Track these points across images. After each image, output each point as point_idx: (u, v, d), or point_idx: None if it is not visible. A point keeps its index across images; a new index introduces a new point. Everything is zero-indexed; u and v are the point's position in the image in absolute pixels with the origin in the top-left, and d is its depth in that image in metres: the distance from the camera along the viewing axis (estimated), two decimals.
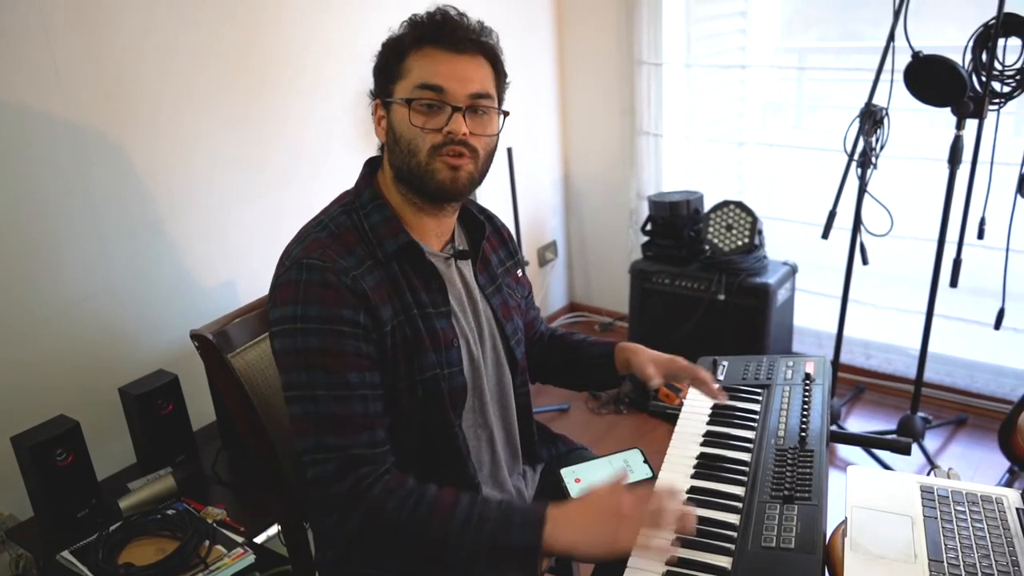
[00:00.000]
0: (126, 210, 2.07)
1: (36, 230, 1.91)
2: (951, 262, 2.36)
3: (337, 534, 1.18)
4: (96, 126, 1.98)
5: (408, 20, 1.24)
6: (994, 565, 1.06)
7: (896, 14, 2.24)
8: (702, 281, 2.87)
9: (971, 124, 2.26)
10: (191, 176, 2.19)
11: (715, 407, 1.47)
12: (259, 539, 1.79)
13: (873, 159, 2.40)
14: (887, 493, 1.21)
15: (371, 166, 1.33)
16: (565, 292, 3.85)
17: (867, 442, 1.56)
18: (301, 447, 1.17)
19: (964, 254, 2.34)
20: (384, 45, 1.25)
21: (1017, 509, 1.17)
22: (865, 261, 2.53)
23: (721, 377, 1.57)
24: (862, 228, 2.50)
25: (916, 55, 2.20)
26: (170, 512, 1.75)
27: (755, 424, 1.40)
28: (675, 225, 2.97)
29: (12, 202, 1.86)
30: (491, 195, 3.12)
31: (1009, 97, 2.19)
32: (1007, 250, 2.30)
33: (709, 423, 1.43)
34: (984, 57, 2.17)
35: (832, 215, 2.49)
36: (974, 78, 2.20)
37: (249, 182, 2.33)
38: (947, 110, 2.26)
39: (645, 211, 3.13)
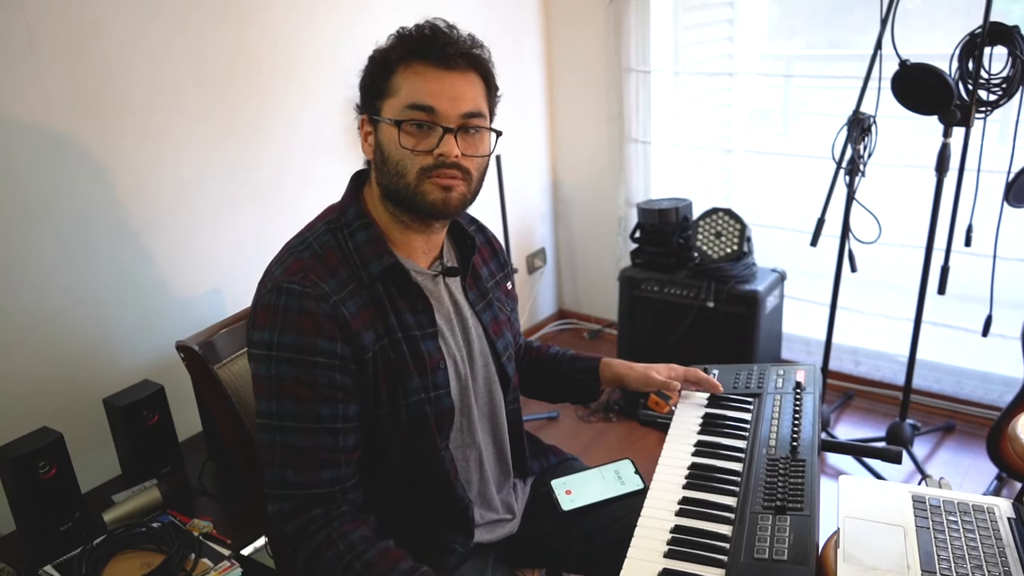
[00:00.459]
0: (111, 218, 2.05)
1: (18, 237, 1.89)
2: (939, 269, 2.37)
3: (292, 564, 1.19)
4: (79, 133, 1.96)
5: (396, 33, 1.20)
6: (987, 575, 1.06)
7: (883, 22, 2.25)
8: (691, 288, 2.87)
9: (958, 132, 2.27)
10: (177, 184, 2.18)
11: (706, 416, 1.47)
12: (246, 551, 1.77)
13: (861, 167, 2.41)
14: (879, 503, 1.20)
15: (357, 181, 1.30)
16: (554, 299, 3.84)
17: (857, 451, 1.56)
18: (266, 477, 1.17)
19: (952, 261, 2.35)
20: (371, 59, 1.22)
21: (1009, 519, 1.17)
22: (853, 268, 2.54)
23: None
24: (850, 235, 2.51)
25: (903, 63, 2.21)
26: (155, 525, 1.72)
27: (746, 433, 1.39)
28: (664, 232, 2.97)
29: None
30: (479, 202, 3.08)
31: (995, 105, 2.20)
32: (994, 257, 2.30)
33: (700, 432, 1.42)
34: (970, 66, 2.18)
35: (820, 222, 2.49)
36: (960, 86, 2.21)
37: (236, 190, 2.31)
38: (934, 118, 2.27)
39: (634, 218, 3.13)
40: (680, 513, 1.21)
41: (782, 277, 2.94)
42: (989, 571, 1.07)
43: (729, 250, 2.87)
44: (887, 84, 2.26)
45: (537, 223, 3.61)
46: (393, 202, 1.22)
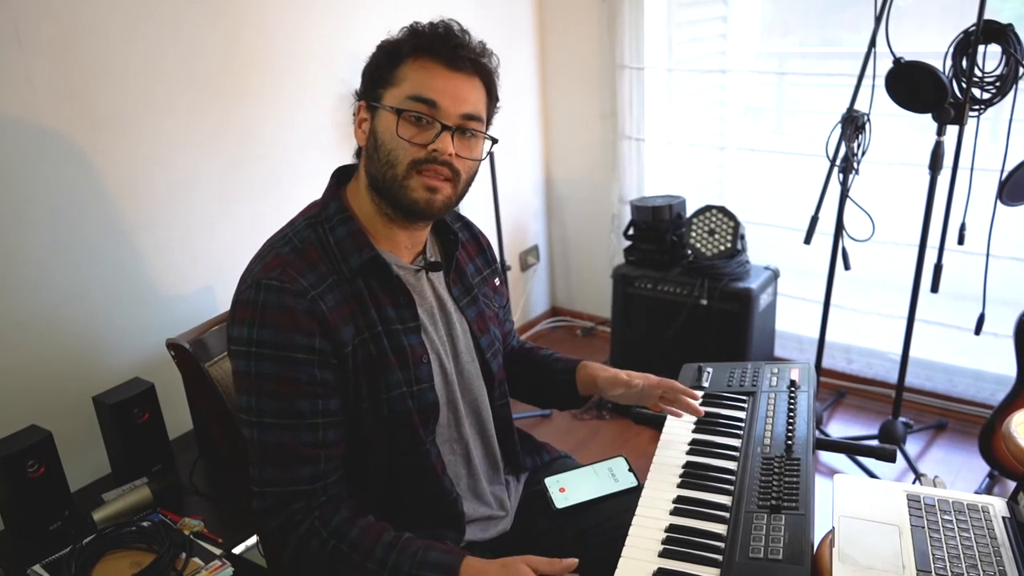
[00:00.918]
0: (103, 216, 2.03)
1: (8, 235, 1.87)
2: (932, 267, 2.37)
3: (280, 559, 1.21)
4: (71, 131, 1.94)
5: (409, 27, 1.21)
6: (981, 575, 1.06)
7: (877, 20, 2.25)
8: (684, 286, 2.87)
9: (951, 130, 2.27)
10: (169, 181, 2.16)
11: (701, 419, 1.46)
12: (237, 550, 1.76)
13: (855, 164, 2.40)
14: (874, 502, 1.20)
15: (339, 177, 1.30)
16: (547, 297, 3.83)
17: (851, 449, 1.56)
18: (249, 472, 1.18)
19: (945, 259, 2.35)
20: (380, 47, 1.22)
21: (1003, 518, 1.17)
22: (847, 266, 2.54)
23: (706, 384, 1.56)
24: (844, 233, 2.51)
25: (897, 61, 2.21)
26: (146, 524, 1.70)
27: (741, 432, 1.39)
28: (657, 230, 2.97)
29: None
30: (472, 199, 3.08)
31: (989, 104, 2.20)
32: (987, 255, 2.31)
33: (695, 431, 1.42)
34: (964, 64, 2.18)
35: (814, 220, 2.49)
36: (954, 84, 2.21)
37: (229, 188, 2.30)
38: (928, 116, 2.27)
39: (627, 215, 3.13)
40: (675, 512, 1.21)
41: (775, 275, 2.94)
42: (984, 570, 1.07)
43: (722, 248, 2.86)
44: (881, 82, 2.26)
45: (530, 220, 3.61)
46: (378, 192, 1.22)
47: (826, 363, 3.01)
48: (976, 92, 2.20)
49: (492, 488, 1.42)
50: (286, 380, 1.14)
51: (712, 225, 2.88)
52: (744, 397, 1.50)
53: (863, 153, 2.40)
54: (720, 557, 1.10)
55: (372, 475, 1.26)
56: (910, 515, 1.17)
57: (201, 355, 1.35)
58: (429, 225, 1.32)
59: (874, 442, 2.69)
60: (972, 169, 2.28)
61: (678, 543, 1.14)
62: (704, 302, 2.82)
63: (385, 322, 1.22)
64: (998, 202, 2.21)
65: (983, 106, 2.21)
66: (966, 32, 2.17)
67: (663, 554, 1.12)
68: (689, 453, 1.36)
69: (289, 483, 1.16)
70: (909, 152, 2.71)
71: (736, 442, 1.36)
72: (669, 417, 1.47)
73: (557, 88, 3.46)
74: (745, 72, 3.21)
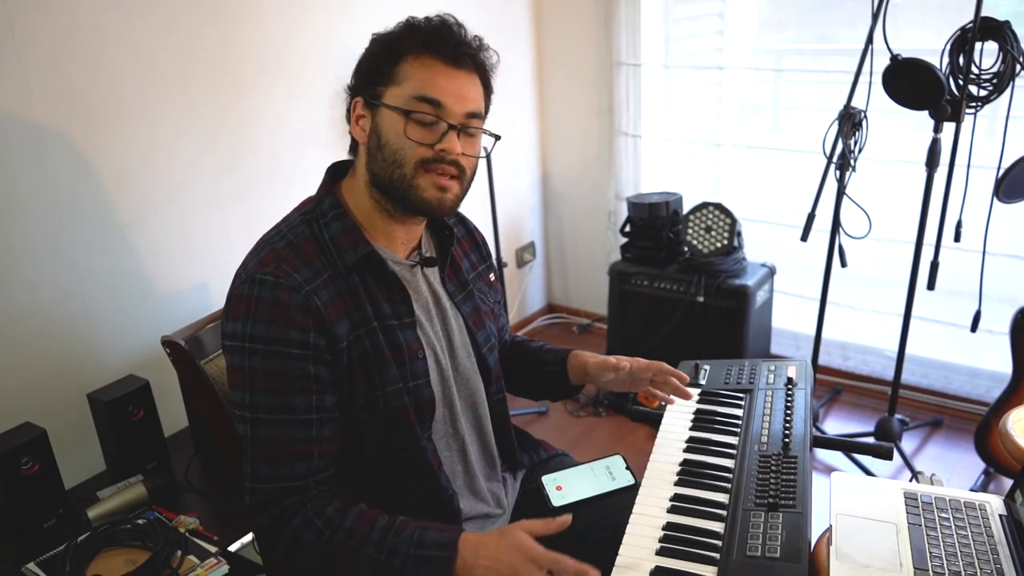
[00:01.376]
0: (97, 212, 2.02)
1: (2, 232, 1.86)
2: (928, 264, 2.37)
3: (271, 555, 1.21)
4: (64, 127, 1.93)
5: (406, 23, 1.19)
6: (979, 573, 1.05)
7: (875, 16, 2.25)
8: (681, 283, 2.87)
9: (948, 127, 2.27)
10: (165, 178, 2.15)
11: (697, 412, 1.46)
12: (233, 547, 1.75)
13: (852, 161, 2.40)
14: (871, 500, 1.20)
15: (333, 173, 1.29)
16: (543, 293, 3.83)
17: (848, 447, 1.56)
18: (242, 469, 1.17)
19: (941, 257, 2.36)
20: (376, 42, 1.21)
21: (1000, 516, 1.17)
22: (844, 263, 2.54)
23: (703, 381, 1.56)
24: (841, 230, 2.51)
25: (895, 58, 2.20)
26: (141, 521, 1.70)
27: (738, 430, 1.39)
28: (654, 227, 2.96)
29: None
30: (469, 196, 3.08)
31: (986, 101, 2.20)
32: (983, 253, 2.31)
33: (692, 428, 1.42)
34: (961, 60, 2.18)
35: (811, 217, 2.49)
36: (951, 81, 2.21)
37: (224, 185, 2.29)
38: (924, 113, 2.26)
39: (624, 212, 3.13)
40: (672, 510, 1.20)
41: (772, 272, 2.94)
42: (981, 568, 1.06)
43: (719, 244, 2.86)
44: (878, 79, 2.26)
45: (527, 216, 3.60)
46: (381, 190, 1.21)
47: (822, 360, 3.01)
48: (973, 89, 2.20)
49: (489, 485, 1.42)
50: (279, 376, 1.13)
51: (709, 222, 2.87)
52: (741, 395, 1.49)
53: (860, 150, 2.40)
54: (717, 555, 1.10)
55: (368, 471, 1.26)
56: (907, 513, 1.17)
57: (196, 352, 1.34)
58: (425, 220, 1.31)
59: (870, 439, 2.69)
60: (969, 166, 2.28)
61: (675, 541, 1.13)
62: (701, 299, 2.82)
63: (380, 318, 1.21)
64: (994, 199, 2.21)
65: (980, 103, 2.21)
66: (963, 29, 2.17)
67: (660, 552, 1.12)
68: (686, 451, 1.35)
69: (281, 479, 1.15)
70: (906, 149, 2.71)
71: (733, 440, 1.36)
72: (666, 415, 1.47)
73: (554, 84, 3.45)
74: (742, 69, 3.21)
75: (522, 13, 3.30)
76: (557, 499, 1.44)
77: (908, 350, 2.60)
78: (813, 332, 2.73)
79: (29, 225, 1.90)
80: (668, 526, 1.17)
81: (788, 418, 1.37)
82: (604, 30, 3.19)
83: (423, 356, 1.25)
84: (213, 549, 1.66)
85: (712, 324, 2.82)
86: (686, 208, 2.97)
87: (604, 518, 1.38)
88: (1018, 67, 2.14)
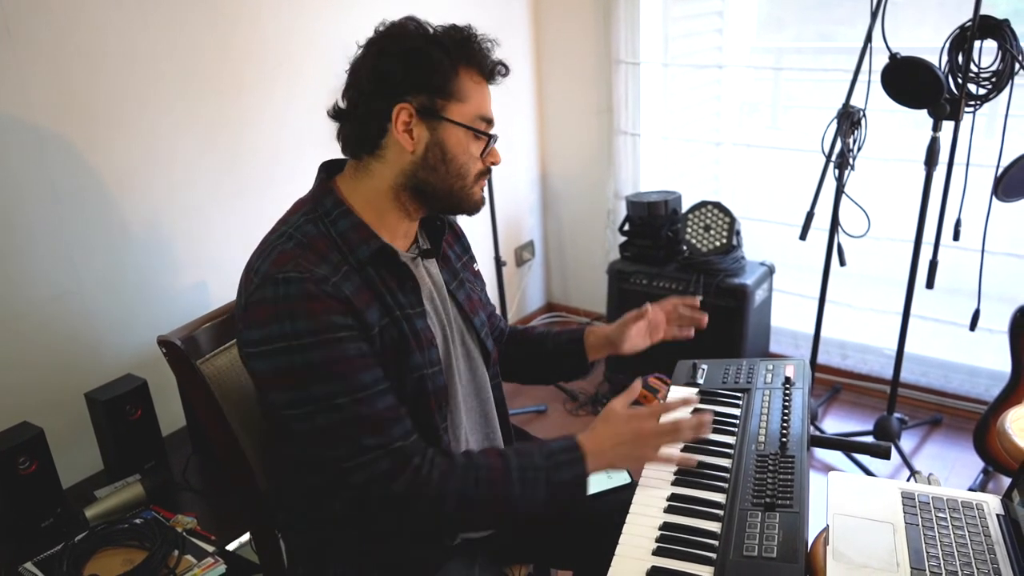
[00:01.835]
0: (95, 211, 2.02)
1: (0, 230, 1.86)
2: (927, 263, 2.36)
3: (394, 528, 1.21)
4: (60, 125, 1.93)
5: (448, 33, 1.20)
6: (976, 573, 1.05)
7: (873, 15, 2.24)
8: (680, 282, 2.86)
9: (947, 126, 2.26)
10: (163, 177, 2.15)
11: (695, 412, 1.46)
12: (231, 547, 1.75)
13: (850, 160, 2.40)
14: (868, 500, 1.20)
15: (328, 171, 1.29)
16: (542, 292, 3.83)
17: (846, 446, 1.55)
18: (334, 456, 1.15)
19: (940, 255, 2.35)
20: (426, 50, 1.18)
21: (998, 515, 1.16)
22: (842, 262, 2.53)
23: (701, 381, 1.56)
24: (839, 229, 2.50)
25: (894, 56, 2.20)
26: (138, 521, 1.70)
27: (735, 429, 1.39)
28: (653, 225, 2.96)
29: None
30: None
31: (985, 99, 2.20)
32: (982, 251, 2.30)
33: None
34: (960, 59, 2.18)
35: (810, 216, 2.49)
36: (950, 80, 2.21)
37: (223, 182, 2.29)
38: (923, 112, 2.26)
39: (623, 211, 3.12)
40: (669, 510, 1.20)
41: (771, 271, 2.94)
42: (978, 568, 1.06)
43: (718, 243, 2.86)
44: (877, 77, 2.25)
45: (526, 215, 3.60)
46: (423, 195, 1.24)
47: (821, 359, 3.01)
48: (972, 88, 2.20)
49: None
50: (341, 360, 1.13)
51: (708, 221, 2.87)
52: (739, 394, 1.49)
53: (859, 149, 2.40)
54: (714, 555, 1.10)
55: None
56: (904, 513, 1.16)
57: (192, 352, 1.34)
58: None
59: (869, 438, 2.69)
60: (968, 165, 2.27)
61: (672, 541, 1.13)
62: (700, 298, 2.81)
63: (400, 307, 1.23)
64: (993, 198, 2.20)
65: (979, 102, 2.20)
66: (962, 27, 2.17)
67: (657, 552, 1.11)
68: (683, 450, 1.35)
69: (392, 442, 1.15)
70: (905, 148, 2.70)
71: (731, 439, 1.36)
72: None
73: (552, 83, 3.45)
74: (741, 67, 3.20)
75: (521, 11, 3.30)
76: None
77: (907, 349, 2.60)
78: (812, 331, 2.72)
79: (27, 224, 1.90)
80: (665, 526, 1.17)
81: (786, 417, 1.37)
82: (603, 28, 3.19)
83: (436, 344, 1.27)
84: (210, 549, 1.66)
85: (711, 323, 2.78)
86: (685, 207, 2.97)
87: (600, 516, 1.38)
88: (1017, 66, 2.13)
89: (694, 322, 1.55)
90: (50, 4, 1.85)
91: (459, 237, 1.48)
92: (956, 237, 2.31)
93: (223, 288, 2.31)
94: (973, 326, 2.39)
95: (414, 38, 1.19)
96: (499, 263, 3.12)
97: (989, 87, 2.18)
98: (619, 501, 1.31)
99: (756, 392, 1.48)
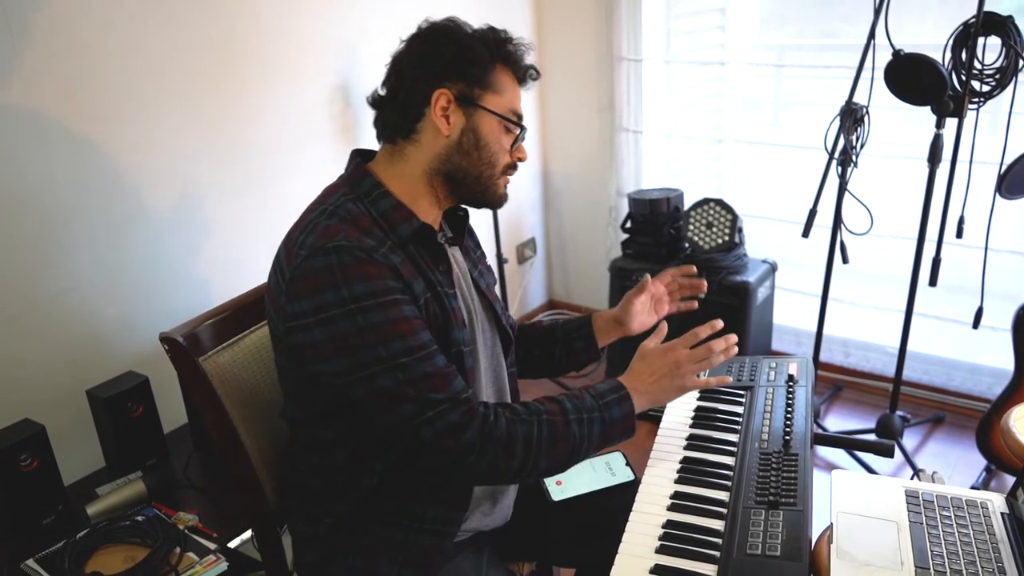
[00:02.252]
0: (96, 206, 2.02)
1: (1, 226, 1.85)
2: (930, 261, 2.36)
3: (468, 475, 1.22)
4: (61, 118, 1.92)
5: (489, 32, 1.26)
6: (980, 571, 1.05)
7: (877, 12, 2.23)
8: None
9: (950, 123, 2.26)
10: (164, 173, 2.14)
11: (698, 409, 1.46)
12: (232, 544, 1.75)
13: (854, 157, 2.39)
14: (872, 498, 1.19)
15: (362, 157, 1.31)
16: (544, 289, 3.82)
17: (849, 444, 1.55)
18: (399, 416, 1.15)
19: (943, 253, 2.34)
20: (468, 42, 1.24)
21: (1002, 514, 1.16)
22: (845, 259, 2.53)
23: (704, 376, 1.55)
24: (842, 226, 2.50)
25: (897, 53, 2.19)
26: (140, 518, 1.70)
27: (738, 427, 1.38)
28: (655, 223, 2.96)
29: None
30: None
31: (988, 96, 2.19)
32: (986, 249, 2.30)
33: (692, 426, 1.41)
34: (964, 56, 2.17)
35: (812, 213, 2.48)
36: (954, 77, 2.20)
37: (224, 179, 2.28)
38: (927, 109, 2.25)
39: (625, 208, 3.12)
40: (672, 508, 1.20)
41: (773, 268, 2.94)
42: (983, 566, 1.06)
43: (720, 241, 2.85)
44: (880, 74, 2.25)
45: (527, 213, 3.59)
46: (453, 181, 1.27)
47: (824, 357, 3.00)
48: (976, 84, 2.19)
49: None
50: (400, 320, 1.14)
51: (710, 218, 2.87)
52: (742, 392, 1.49)
53: (862, 146, 2.39)
54: (717, 553, 1.09)
55: (394, 444, 1.25)
56: (908, 511, 1.16)
57: (195, 349, 1.33)
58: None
59: (871, 436, 2.69)
60: (971, 162, 2.27)
61: (675, 539, 1.13)
62: (701, 295, 2.81)
63: (440, 284, 1.25)
64: (997, 195, 2.20)
65: (982, 99, 2.20)
66: (966, 24, 2.16)
67: (660, 550, 1.11)
68: (686, 448, 1.35)
69: (458, 394, 1.17)
70: (908, 145, 2.70)
71: (734, 437, 1.36)
72: (666, 411, 1.46)
73: (554, 80, 3.44)
74: (743, 64, 3.19)
75: (523, 8, 3.29)
76: (557, 493, 1.44)
77: (910, 346, 2.59)
78: (814, 328, 2.72)
79: (29, 219, 1.90)
80: (668, 524, 1.16)
81: (789, 415, 1.37)
82: (605, 25, 3.18)
83: (466, 324, 1.29)
84: (212, 546, 1.66)
85: (713, 320, 2.80)
86: (687, 204, 2.96)
87: (603, 514, 1.38)
88: (1021, 62, 2.12)
89: (694, 289, 1.58)
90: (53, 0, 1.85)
91: (471, 233, 1.49)
92: (959, 235, 2.30)
93: (224, 284, 2.30)
94: (976, 324, 2.38)
95: (458, 32, 1.25)
96: (501, 260, 3.12)
97: (993, 84, 2.18)
98: (622, 498, 1.31)
99: (759, 390, 1.48)
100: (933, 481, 1.26)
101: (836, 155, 2.40)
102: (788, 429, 1.33)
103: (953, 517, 1.15)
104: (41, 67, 1.87)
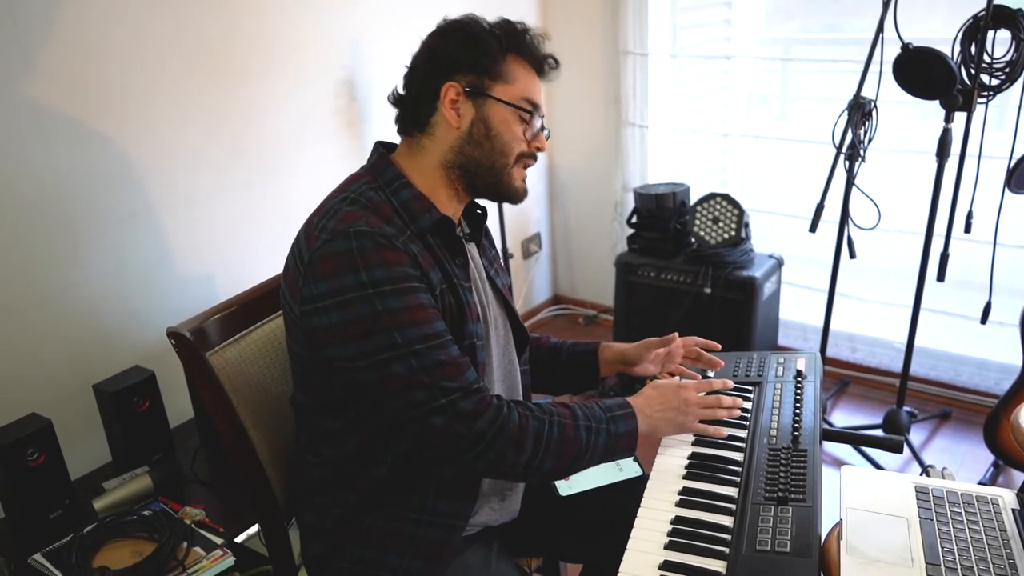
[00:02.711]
0: (101, 202, 2.01)
1: (7, 220, 1.85)
2: (938, 256, 2.35)
3: (476, 465, 1.20)
4: (67, 114, 1.92)
5: (502, 24, 1.30)
6: (992, 568, 1.04)
7: (885, 5, 2.22)
8: (688, 274, 2.85)
9: (959, 117, 2.24)
10: (169, 168, 2.14)
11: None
12: (239, 539, 1.75)
13: (861, 152, 2.38)
14: (882, 494, 1.19)
15: (385, 148, 1.32)
16: (549, 285, 3.82)
17: (858, 440, 1.54)
18: (410, 402, 1.15)
19: (951, 248, 2.33)
20: (472, 34, 1.26)
21: (1013, 510, 1.15)
22: (852, 254, 2.52)
23: (711, 374, 1.54)
24: (850, 221, 2.49)
25: (906, 47, 2.18)
26: (147, 513, 1.70)
27: (747, 423, 1.38)
28: (661, 217, 2.95)
29: None
30: None
31: (998, 90, 2.18)
32: (994, 244, 2.29)
33: (700, 421, 1.40)
34: (973, 49, 2.16)
35: (820, 208, 2.47)
36: (963, 70, 2.19)
37: (229, 174, 2.28)
38: (935, 103, 2.24)
39: (631, 203, 3.11)
40: (681, 504, 1.19)
41: (780, 263, 2.93)
42: (994, 563, 1.05)
43: (727, 236, 2.85)
44: (888, 68, 2.23)
45: (533, 207, 3.59)
46: (468, 172, 1.27)
47: (830, 352, 3.00)
48: (985, 78, 2.18)
49: None
50: (416, 308, 1.15)
51: (716, 213, 2.86)
52: (750, 387, 1.48)
53: (870, 140, 2.38)
54: (727, 549, 1.09)
55: (404, 432, 1.25)
56: (919, 507, 1.15)
57: (202, 344, 1.33)
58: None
59: (878, 431, 2.68)
60: (980, 156, 2.26)
61: (684, 535, 1.12)
62: (708, 291, 2.81)
63: (456, 276, 1.25)
64: (1006, 190, 2.19)
65: (992, 92, 2.18)
66: (975, 17, 2.15)
67: (669, 546, 1.11)
68: (695, 444, 1.34)
69: (471, 384, 1.17)
70: (916, 139, 2.69)
71: (742, 433, 1.35)
72: None
73: (559, 75, 3.42)
74: (749, 58, 3.18)
75: (528, 2, 3.28)
76: (564, 488, 1.44)
77: (917, 342, 2.58)
78: (821, 324, 2.71)
79: (34, 215, 1.89)
80: (677, 520, 1.16)
81: (798, 411, 1.36)
82: (611, 19, 3.17)
83: (480, 320, 1.29)
84: (219, 541, 1.66)
85: (719, 316, 2.81)
86: (693, 199, 2.95)
87: (611, 509, 1.38)
88: None
89: (709, 365, 1.54)
90: None
91: (487, 234, 1.50)
92: (967, 229, 2.29)
93: (229, 280, 2.30)
94: (984, 319, 2.37)
95: (470, 26, 1.27)
96: (506, 255, 3.11)
97: (1003, 77, 2.16)
98: (629, 492, 1.31)
99: (767, 385, 1.47)
100: (943, 477, 1.25)
101: (844, 149, 2.39)
102: (797, 425, 1.32)
103: (964, 513, 1.14)
104: (47, 63, 1.86)
